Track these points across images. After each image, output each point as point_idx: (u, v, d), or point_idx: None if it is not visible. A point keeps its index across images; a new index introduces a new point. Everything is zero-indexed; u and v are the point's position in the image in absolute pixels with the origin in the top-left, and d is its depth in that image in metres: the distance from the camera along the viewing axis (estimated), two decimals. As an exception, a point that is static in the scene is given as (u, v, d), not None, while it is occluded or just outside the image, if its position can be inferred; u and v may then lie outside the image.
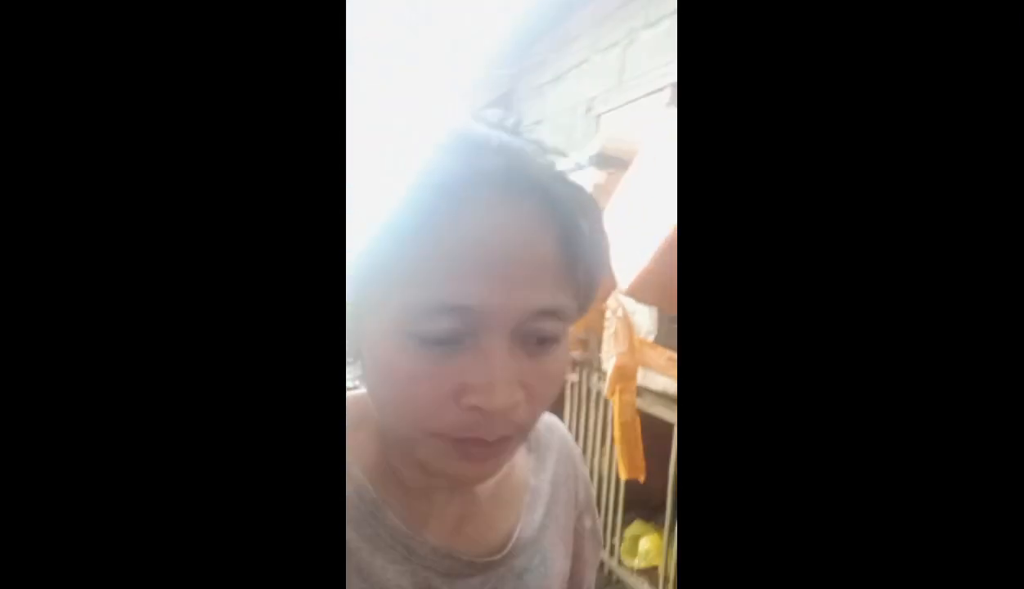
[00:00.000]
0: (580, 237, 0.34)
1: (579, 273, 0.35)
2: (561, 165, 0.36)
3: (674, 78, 2.08)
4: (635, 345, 1.50)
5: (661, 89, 2.28)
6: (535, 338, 0.33)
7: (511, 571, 0.44)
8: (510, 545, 0.44)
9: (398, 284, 0.31)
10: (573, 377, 1.88)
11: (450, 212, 0.30)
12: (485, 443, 0.33)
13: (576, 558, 0.52)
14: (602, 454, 1.78)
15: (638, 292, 1.35)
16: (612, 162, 1.73)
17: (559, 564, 0.48)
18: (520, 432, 0.35)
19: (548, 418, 0.53)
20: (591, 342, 1.76)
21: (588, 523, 0.55)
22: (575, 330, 1.65)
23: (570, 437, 0.55)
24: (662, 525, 1.55)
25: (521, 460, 0.49)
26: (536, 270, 0.32)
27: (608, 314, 1.57)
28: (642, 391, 1.52)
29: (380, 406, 0.36)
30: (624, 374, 1.50)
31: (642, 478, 1.56)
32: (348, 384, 0.37)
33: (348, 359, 0.36)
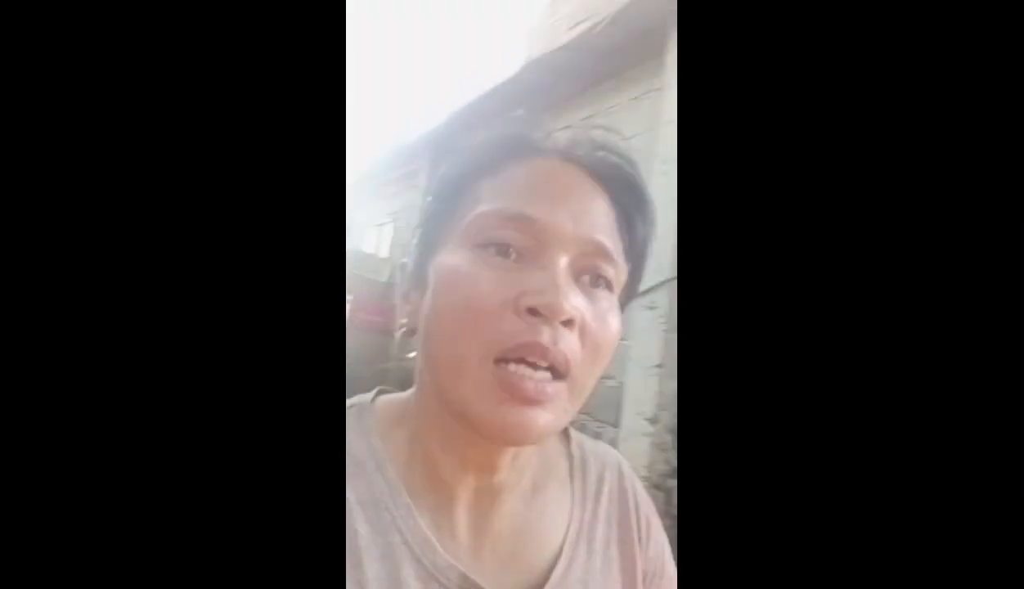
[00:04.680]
0: (633, 226, 0.38)
1: (628, 253, 0.38)
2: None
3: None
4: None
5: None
6: (592, 273, 0.36)
7: None
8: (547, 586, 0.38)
9: (474, 205, 0.36)
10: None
11: (523, 157, 0.37)
12: (541, 349, 0.32)
13: None
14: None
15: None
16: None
17: None
18: (568, 377, 0.34)
19: (602, 446, 0.49)
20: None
21: None
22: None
23: (627, 467, 0.49)
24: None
25: (563, 480, 0.45)
26: (596, 217, 0.36)
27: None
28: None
29: (438, 325, 0.36)
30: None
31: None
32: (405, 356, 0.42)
33: (403, 319, 0.41)
